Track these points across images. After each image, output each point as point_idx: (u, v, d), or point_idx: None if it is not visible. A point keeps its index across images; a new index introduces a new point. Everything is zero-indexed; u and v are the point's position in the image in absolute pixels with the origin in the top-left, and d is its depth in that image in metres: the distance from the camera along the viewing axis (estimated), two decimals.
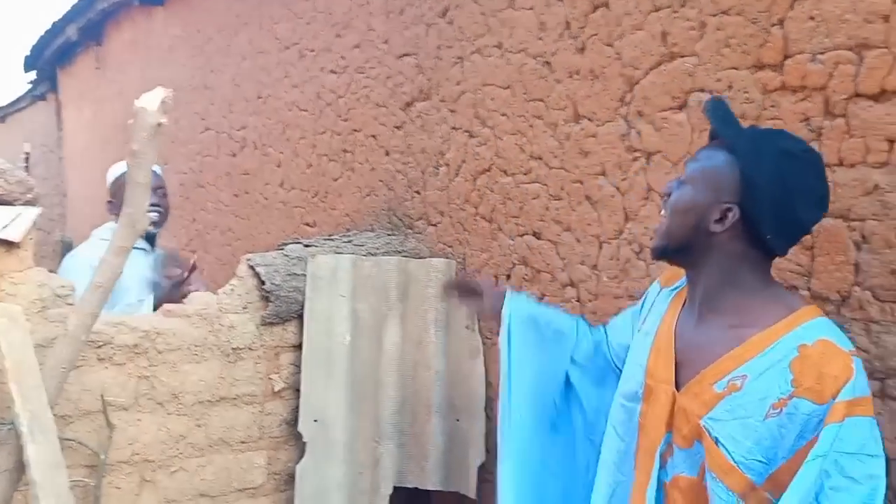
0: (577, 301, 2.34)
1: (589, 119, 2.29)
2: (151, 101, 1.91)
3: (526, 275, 2.53)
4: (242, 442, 2.55)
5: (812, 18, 1.70)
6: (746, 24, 1.84)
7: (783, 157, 1.27)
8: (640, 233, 2.14)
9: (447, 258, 2.85)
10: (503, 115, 2.62)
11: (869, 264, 1.62)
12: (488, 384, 2.70)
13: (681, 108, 2.03)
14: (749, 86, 1.86)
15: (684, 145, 2.01)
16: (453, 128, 2.86)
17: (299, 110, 3.97)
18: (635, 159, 2.15)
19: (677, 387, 1.33)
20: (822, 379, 1.16)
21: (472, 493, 2.69)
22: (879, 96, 1.61)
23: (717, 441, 1.23)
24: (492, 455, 2.64)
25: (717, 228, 1.30)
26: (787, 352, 1.20)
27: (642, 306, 1.61)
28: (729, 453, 1.21)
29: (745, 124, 1.83)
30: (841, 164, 1.67)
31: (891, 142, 1.59)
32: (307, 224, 3.92)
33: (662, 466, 1.33)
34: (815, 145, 1.71)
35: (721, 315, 1.31)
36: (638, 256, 2.14)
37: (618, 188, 2.20)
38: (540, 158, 2.47)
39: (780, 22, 1.76)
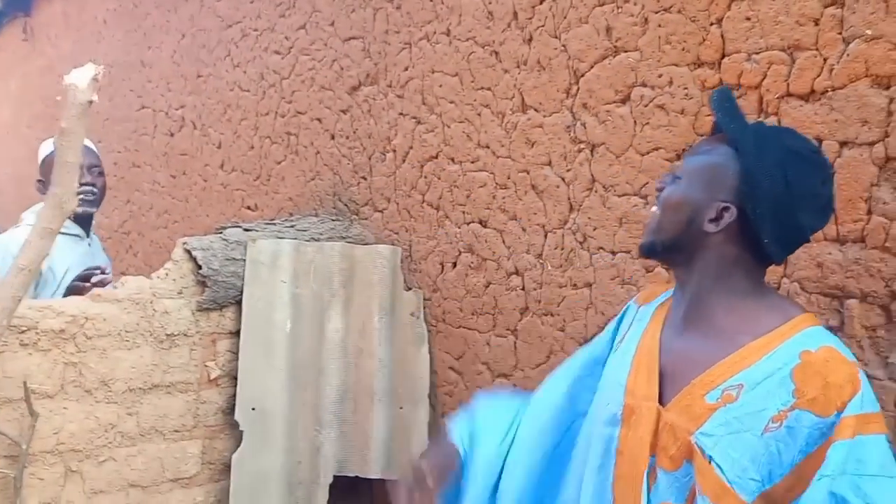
0: (522, 290, 2.43)
1: (535, 109, 2.39)
2: (82, 77, 1.92)
3: (472, 262, 2.62)
4: (176, 431, 2.58)
5: (748, 19, 1.82)
6: (686, 21, 1.95)
7: (789, 157, 1.19)
8: (584, 223, 2.24)
9: (393, 245, 2.92)
10: (451, 102, 2.69)
11: (797, 256, 1.74)
12: (433, 372, 2.79)
13: (624, 101, 2.13)
14: (688, 82, 1.97)
15: (627, 138, 2.12)
16: (401, 113, 2.92)
17: (241, 91, 3.98)
18: (580, 150, 2.25)
19: (662, 403, 1.23)
20: (828, 389, 1.08)
21: None
22: (809, 96, 1.73)
23: (710, 460, 1.12)
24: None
25: (712, 228, 1.22)
26: (789, 359, 1.13)
27: (616, 329, 1.49)
28: (723, 473, 1.10)
29: (683, 121, 1.95)
30: None
31: (819, 140, 1.71)
32: (248, 208, 3.94)
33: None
34: None
35: (711, 321, 1.23)
36: (582, 246, 2.25)
37: (563, 178, 2.30)
38: (487, 147, 2.55)
39: (719, 21, 1.88)
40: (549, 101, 2.34)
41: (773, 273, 1.78)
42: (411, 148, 2.88)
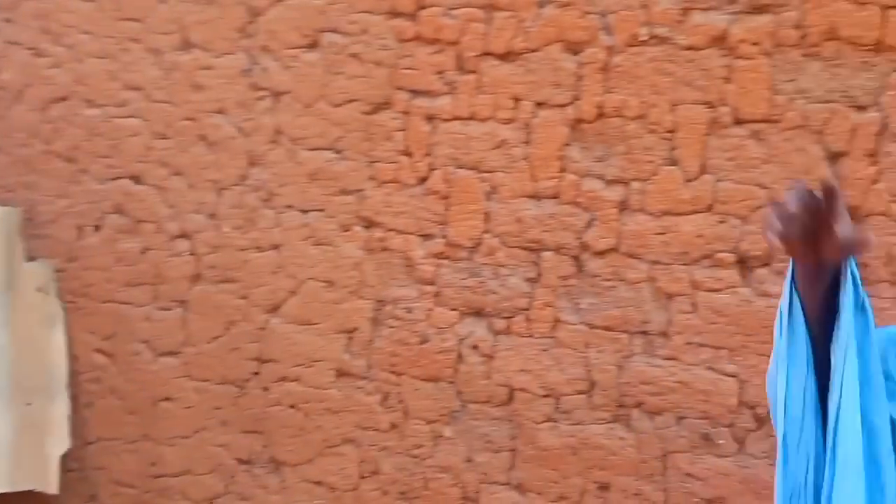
0: (192, 255, 2.41)
1: (203, 49, 2.36)
2: None
3: (123, 226, 2.51)
4: None
5: None
6: None
7: None
8: (268, 178, 2.30)
9: (7, 206, 2.65)
10: (85, 33, 2.51)
11: (498, 213, 2.03)
12: (72, 357, 2.62)
13: (312, 47, 2.22)
14: (384, 32, 2.13)
15: (317, 87, 2.22)
16: (11, 42, 2.64)
17: None
18: (260, 98, 2.29)
19: None
20: None
21: (53, 489, 2.60)
22: (506, 56, 2.01)
23: None
24: (80, 441, 2.59)
25: None
26: None
27: None
28: None
29: (379, 72, 2.11)
30: (473, 118, 2.05)
31: (517, 100, 2.00)
32: None
33: None
34: (448, 99, 2.07)
35: None
36: (266, 204, 2.30)
37: (240, 129, 2.32)
38: (139, 89, 2.45)
39: None
40: (221, 41, 2.33)
41: (474, 229, 2.06)
42: (29, 86, 2.63)
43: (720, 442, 1.81)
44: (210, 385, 2.40)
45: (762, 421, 1.77)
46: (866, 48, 1.67)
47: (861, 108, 1.68)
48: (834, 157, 1.70)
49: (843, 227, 1.02)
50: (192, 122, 2.39)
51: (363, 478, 2.24)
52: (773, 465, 1.77)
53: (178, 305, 2.46)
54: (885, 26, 1.65)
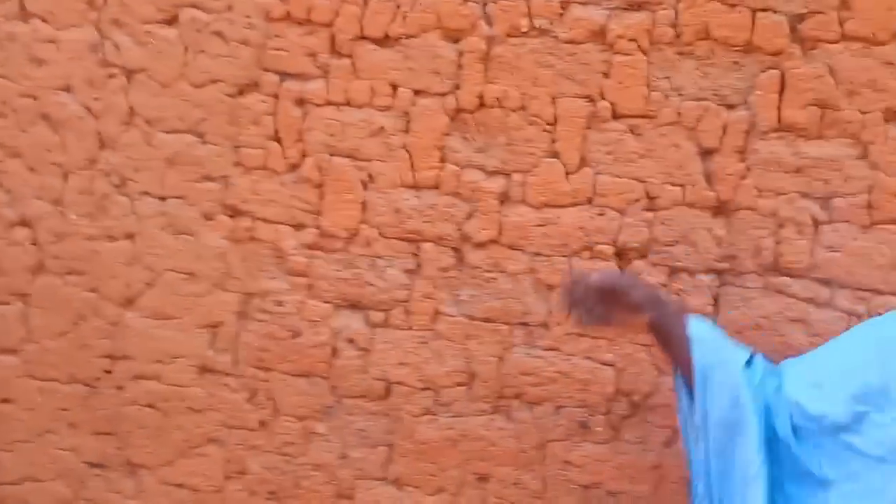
0: (33, 244, 2.26)
1: (44, 20, 2.19)
2: None
3: None
4: None
5: None
6: None
7: None
8: (121, 163, 2.18)
9: None
10: None
11: (375, 203, 2.02)
12: None
13: (170, 22, 2.12)
14: (250, 11, 2.06)
15: (176, 66, 2.12)
16: None
17: None
18: (112, 76, 2.16)
19: None
20: None
21: None
22: (383, 41, 2.00)
23: None
24: None
25: None
26: None
27: None
28: None
29: (245, 52, 2.05)
30: (349, 104, 2.02)
31: (394, 87, 2.00)
32: None
33: None
34: (321, 83, 2.03)
35: None
36: (119, 190, 2.18)
37: (89, 109, 2.18)
38: None
39: None
40: (65, 12, 2.17)
41: (351, 219, 2.04)
42: None
43: (597, 429, 1.90)
44: (56, 385, 2.26)
45: (637, 407, 1.88)
46: (736, 49, 1.78)
47: (731, 106, 1.79)
48: (706, 153, 1.81)
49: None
50: (33, 100, 2.22)
51: (229, 478, 2.18)
52: (646, 450, 1.89)
53: (17, 299, 2.30)
54: (755, 28, 1.76)
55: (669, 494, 1.85)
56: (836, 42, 1.72)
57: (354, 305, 2.06)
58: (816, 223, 1.75)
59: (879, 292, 1.72)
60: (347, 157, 2.03)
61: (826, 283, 1.75)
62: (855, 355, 1.28)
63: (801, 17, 1.74)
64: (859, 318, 1.73)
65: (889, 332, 1.30)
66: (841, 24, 1.71)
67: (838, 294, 1.75)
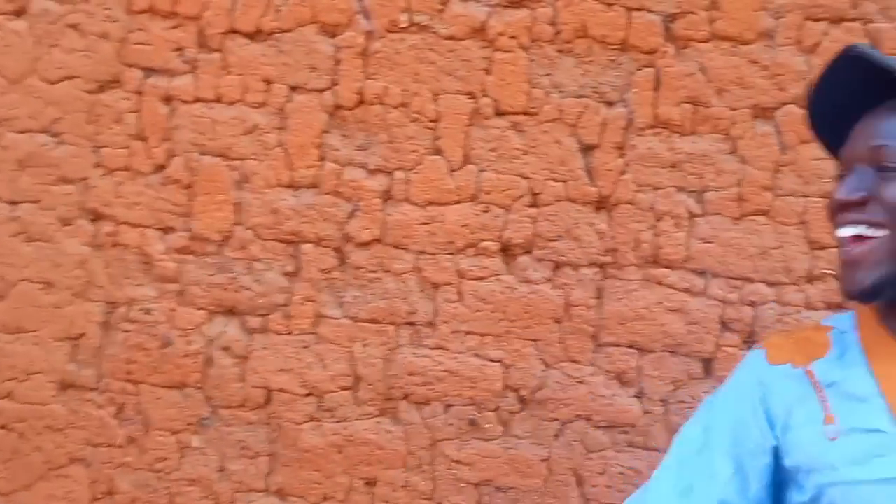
0: None
1: None
2: None
3: None
4: None
5: None
6: None
7: None
8: None
9: None
10: None
11: (250, 204, 1.98)
12: None
13: (19, 14, 2.00)
14: (110, 2, 1.97)
15: (26, 60, 2.00)
16: None
17: None
18: None
19: None
20: None
21: None
22: (255, 36, 1.96)
23: None
24: None
25: None
26: None
27: (768, 415, 1.12)
28: None
29: (105, 47, 1.97)
30: (219, 101, 1.97)
31: (268, 83, 1.96)
32: None
33: None
34: (189, 79, 1.97)
35: None
36: None
37: None
38: None
39: None
40: None
41: (224, 221, 1.99)
42: None
43: (487, 426, 1.93)
44: None
45: (525, 402, 1.92)
46: (614, 47, 1.85)
47: (610, 103, 1.86)
48: (587, 148, 1.87)
49: None
50: None
51: (96, 500, 2.08)
52: (536, 444, 1.94)
53: None
54: (630, 27, 1.84)
55: (559, 486, 1.90)
56: (706, 41, 1.82)
57: (230, 311, 2.00)
58: (691, 216, 1.85)
59: (750, 280, 1.83)
60: (219, 156, 1.98)
61: (701, 273, 1.85)
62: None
63: (673, 17, 1.83)
64: (732, 305, 1.84)
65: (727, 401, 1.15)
66: (711, 23, 1.82)
67: (712, 283, 1.85)
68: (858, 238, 1.02)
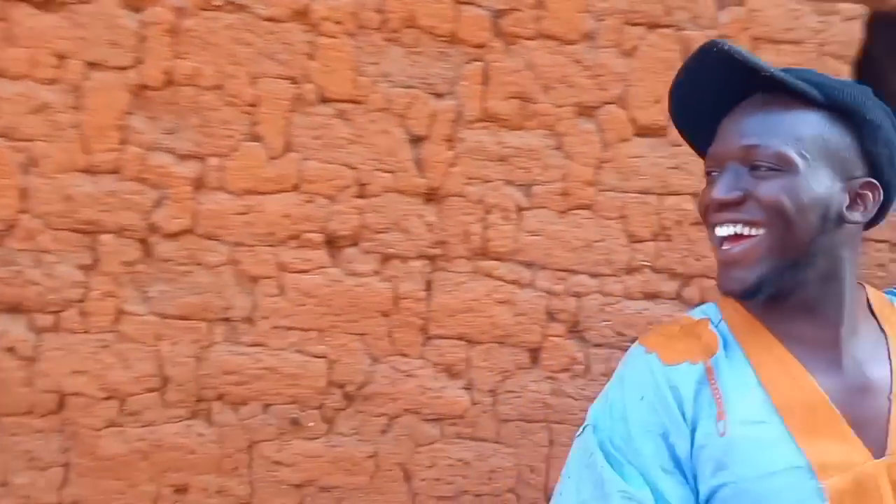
0: None
1: None
2: None
3: None
4: None
5: None
6: None
7: (886, 110, 1.07)
8: None
9: None
10: None
11: (39, 189, 1.79)
12: None
13: None
14: None
15: None
16: None
17: None
18: None
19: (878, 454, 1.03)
20: None
21: None
22: (47, 5, 1.76)
23: None
24: None
25: (858, 217, 1.03)
26: None
27: (681, 412, 1.09)
28: None
29: None
30: (3, 76, 1.76)
31: (61, 57, 1.78)
32: None
33: None
34: None
35: (868, 324, 1.08)
36: None
37: None
38: None
39: None
40: None
41: (8, 209, 1.79)
42: None
43: (310, 424, 1.89)
44: None
45: (351, 399, 1.90)
46: (442, 39, 1.85)
47: (439, 95, 1.86)
48: (416, 140, 1.87)
49: None
50: None
51: None
52: (362, 440, 1.92)
53: None
54: (459, 20, 1.85)
55: (386, 482, 1.90)
56: (532, 39, 1.87)
57: (15, 309, 1.82)
58: (519, 209, 1.90)
59: (574, 272, 1.92)
60: (2, 136, 1.77)
61: (528, 265, 1.91)
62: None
63: (501, 13, 1.86)
64: (558, 296, 1.91)
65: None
66: (537, 21, 1.86)
67: (539, 275, 1.91)
68: (736, 237, 1.03)
